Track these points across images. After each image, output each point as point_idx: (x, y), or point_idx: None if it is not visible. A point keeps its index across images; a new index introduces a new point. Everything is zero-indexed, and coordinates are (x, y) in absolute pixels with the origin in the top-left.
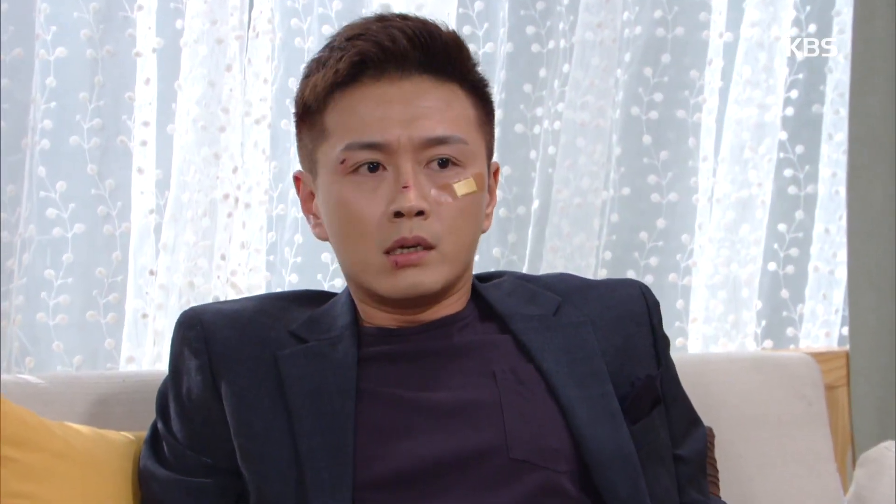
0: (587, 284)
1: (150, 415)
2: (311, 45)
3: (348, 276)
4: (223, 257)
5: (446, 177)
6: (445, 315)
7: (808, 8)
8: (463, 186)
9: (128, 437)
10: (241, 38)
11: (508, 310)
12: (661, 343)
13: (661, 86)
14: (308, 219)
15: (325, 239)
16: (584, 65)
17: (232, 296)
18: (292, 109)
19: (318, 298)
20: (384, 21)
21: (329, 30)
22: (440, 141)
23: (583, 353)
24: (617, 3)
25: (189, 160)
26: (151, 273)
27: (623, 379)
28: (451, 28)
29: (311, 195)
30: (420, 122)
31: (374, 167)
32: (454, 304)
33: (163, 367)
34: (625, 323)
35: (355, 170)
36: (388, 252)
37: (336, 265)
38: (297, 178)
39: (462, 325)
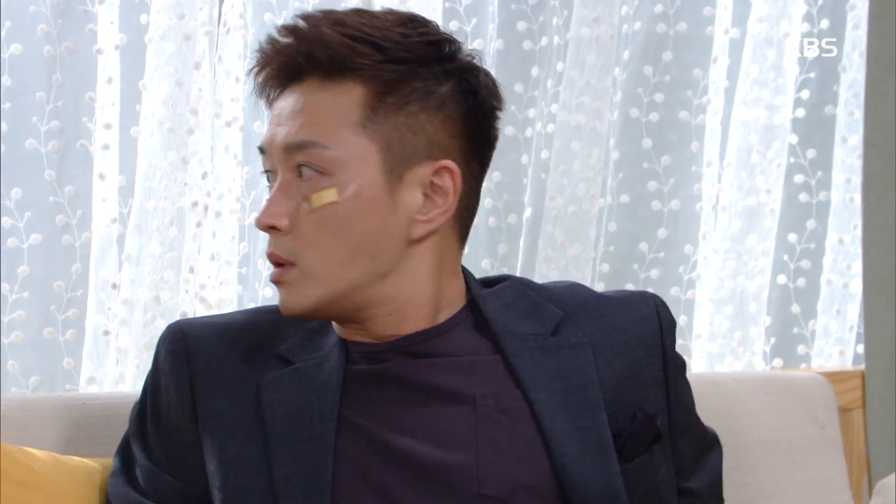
0: (597, 299)
1: (113, 440)
2: None
3: None
4: (191, 270)
5: (305, 187)
6: (421, 329)
7: (819, 2)
8: (321, 196)
9: (91, 464)
10: (211, 34)
11: (503, 326)
12: (671, 368)
13: (663, 85)
14: None
15: None
16: (580, 63)
17: (201, 311)
18: None
19: None
20: (276, 32)
21: None
22: (298, 147)
23: (578, 379)
24: None
25: (155, 165)
26: (114, 287)
27: (623, 410)
28: (357, 19)
29: None
30: (282, 129)
31: (269, 176)
32: (428, 317)
33: (126, 388)
34: (632, 347)
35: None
36: None
37: None
38: None
39: (447, 337)
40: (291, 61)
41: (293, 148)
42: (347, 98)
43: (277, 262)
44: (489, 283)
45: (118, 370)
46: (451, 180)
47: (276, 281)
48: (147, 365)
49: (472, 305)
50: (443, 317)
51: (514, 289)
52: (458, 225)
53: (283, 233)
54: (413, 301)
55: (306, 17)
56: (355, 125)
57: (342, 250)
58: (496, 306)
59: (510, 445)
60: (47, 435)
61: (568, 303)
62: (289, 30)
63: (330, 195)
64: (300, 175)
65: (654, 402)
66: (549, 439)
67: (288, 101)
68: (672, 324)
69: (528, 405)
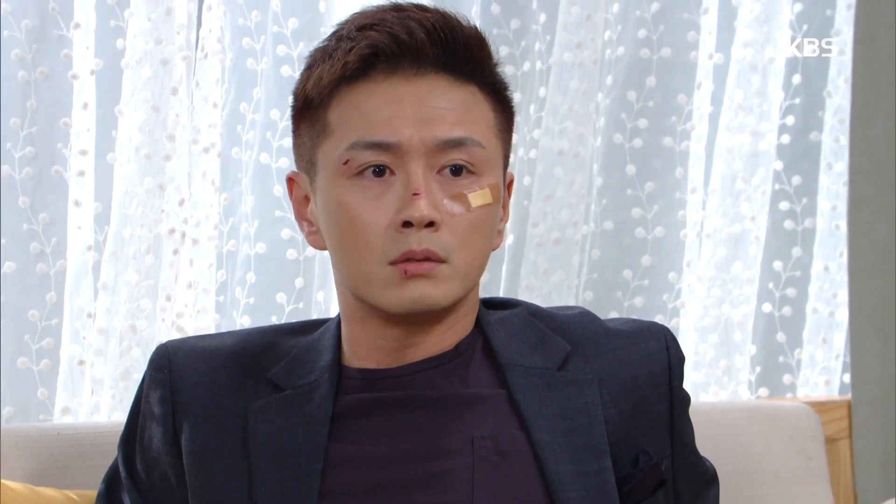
0: (605, 332)
1: (88, 471)
2: (265, 67)
3: (347, 291)
4: (168, 298)
5: (460, 185)
6: (432, 355)
7: (805, 27)
8: (478, 197)
9: (68, 495)
10: (189, 59)
11: (510, 358)
12: (678, 407)
13: (646, 111)
14: (301, 225)
15: (321, 248)
16: (563, 88)
17: None
18: (290, 102)
19: (314, 326)
20: (401, 11)
21: (284, 50)
22: (456, 144)
23: (583, 419)
24: (598, 22)
25: (131, 192)
26: (89, 316)
27: (626, 449)
28: (473, 23)
29: (306, 199)
30: (435, 124)
31: (379, 171)
32: (448, 337)
33: (101, 418)
34: (639, 384)
35: (360, 172)
36: (393, 263)
37: (291, 308)
38: (290, 180)
39: (452, 366)
40: (419, 46)
41: (451, 144)
42: (481, 101)
43: (427, 258)
44: (495, 304)
45: (93, 400)
46: (508, 193)
47: (422, 274)
48: (123, 395)
49: (479, 327)
50: (450, 341)
51: (521, 318)
52: None
53: (435, 228)
54: (460, 317)
55: (428, 8)
56: (495, 129)
57: (485, 253)
58: (503, 336)
59: (508, 490)
60: (21, 466)
61: (576, 334)
62: (419, 18)
63: (486, 197)
64: (444, 173)
65: (659, 441)
66: (550, 483)
67: (417, 92)
68: (681, 360)
69: (530, 446)
